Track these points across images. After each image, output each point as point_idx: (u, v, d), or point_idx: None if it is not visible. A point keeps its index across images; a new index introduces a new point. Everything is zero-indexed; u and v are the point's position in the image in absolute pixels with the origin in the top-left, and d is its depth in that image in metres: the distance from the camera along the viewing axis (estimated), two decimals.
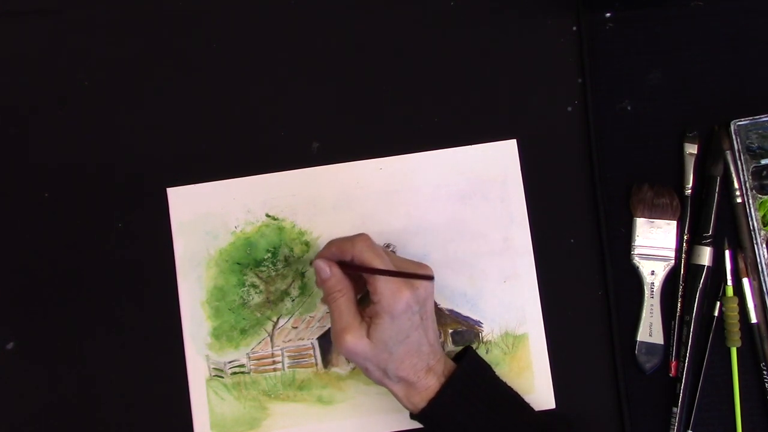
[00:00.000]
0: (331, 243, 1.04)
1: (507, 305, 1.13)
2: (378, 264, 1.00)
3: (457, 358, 1.07)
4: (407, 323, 0.99)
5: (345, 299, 1.02)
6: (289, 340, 1.13)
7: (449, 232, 1.14)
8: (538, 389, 1.12)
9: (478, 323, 1.13)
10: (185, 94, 1.17)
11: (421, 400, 1.02)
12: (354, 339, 0.99)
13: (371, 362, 1.00)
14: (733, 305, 1.11)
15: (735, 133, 1.12)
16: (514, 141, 1.15)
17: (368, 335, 1.00)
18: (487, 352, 1.12)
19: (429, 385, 1.02)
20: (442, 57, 1.17)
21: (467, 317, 1.13)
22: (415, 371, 1.01)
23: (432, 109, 1.16)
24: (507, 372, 1.12)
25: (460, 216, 1.14)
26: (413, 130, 1.16)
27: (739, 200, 1.12)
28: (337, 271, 1.02)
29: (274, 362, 1.12)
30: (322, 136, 1.16)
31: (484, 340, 1.12)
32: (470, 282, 1.13)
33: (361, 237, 1.02)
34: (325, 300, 1.04)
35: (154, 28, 1.18)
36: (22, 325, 1.13)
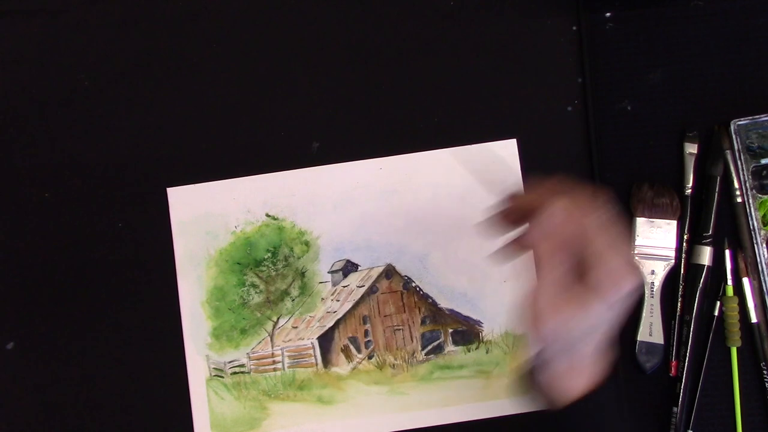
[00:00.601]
0: (557, 207, 0.87)
1: (507, 305, 1.13)
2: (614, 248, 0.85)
3: None
4: (614, 313, 0.86)
5: (557, 272, 0.87)
6: (289, 340, 1.13)
7: (449, 231, 1.14)
8: None
9: (479, 323, 1.13)
10: (185, 94, 1.17)
11: (572, 392, 0.90)
12: (557, 323, 0.86)
13: (557, 345, 0.88)
14: (733, 305, 1.11)
15: (735, 133, 1.12)
16: (514, 141, 1.15)
17: (567, 314, 0.86)
18: (487, 352, 1.12)
19: (586, 379, 0.90)
20: (441, 57, 1.17)
21: (467, 317, 1.13)
22: (585, 360, 0.90)
23: (432, 109, 1.16)
24: (507, 372, 1.12)
25: (460, 216, 1.14)
26: (413, 130, 1.16)
27: (739, 200, 1.12)
28: (561, 234, 0.86)
29: (274, 362, 1.13)
30: (322, 136, 1.16)
31: (485, 340, 1.13)
32: (470, 282, 1.13)
33: (598, 212, 0.86)
34: (536, 262, 0.89)
35: (154, 28, 1.18)
36: (22, 325, 1.13)
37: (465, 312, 1.13)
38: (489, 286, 1.13)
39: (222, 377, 1.12)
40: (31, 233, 1.14)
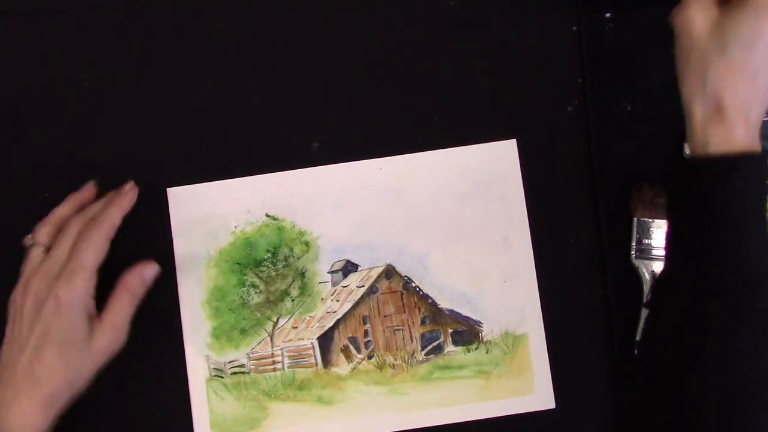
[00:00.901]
0: None
1: (507, 305, 1.13)
2: None
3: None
4: None
5: None
6: (289, 340, 1.13)
7: (449, 232, 1.14)
8: (538, 389, 1.11)
9: (478, 323, 1.13)
10: (185, 94, 1.17)
11: (719, 142, 0.85)
12: (697, 11, 0.85)
13: (699, 51, 0.86)
14: None
15: None
16: (514, 141, 1.14)
17: (718, 17, 0.85)
18: (487, 352, 1.12)
19: (737, 132, 0.85)
20: (441, 57, 1.17)
21: (467, 317, 1.13)
22: (734, 99, 0.84)
23: (432, 109, 1.16)
24: (507, 372, 1.12)
25: (460, 216, 1.14)
26: (413, 130, 1.16)
27: None
28: None
29: (274, 362, 1.13)
30: (322, 136, 1.16)
31: (484, 340, 1.12)
32: (470, 282, 1.13)
33: None
34: None
35: (154, 28, 1.18)
36: None
37: (465, 312, 1.13)
38: (489, 287, 1.13)
39: (222, 377, 1.12)
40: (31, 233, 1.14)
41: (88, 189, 1.11)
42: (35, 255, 1.05)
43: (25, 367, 0.98)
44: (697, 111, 0.88)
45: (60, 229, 1.05)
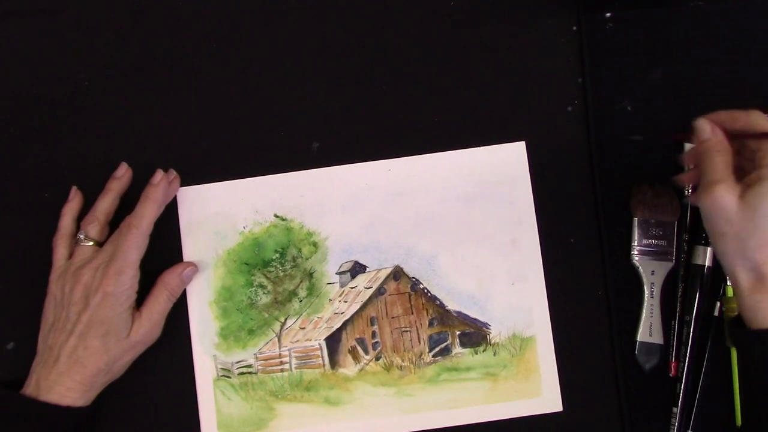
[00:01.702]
0: (719, 112, 0.99)
1: (515, 307, 1.13)
2: None
3: None
4: None
5: (722, 157, 0.95)
6: (297, 341, 1.13)
7: (458, 233, 1.14)
8: (545, 392, 1.12)
9: (486, 325, 1.13)
10: (187, 94, 1.17)
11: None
12: (724, 192, 0.92)
13: (732, 227, 0.92)
14: (733, 305, 1.11)
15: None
16: (523, 143, 1.15)
17: (741, 197, 0.92)
18: (494, 354, 1.13)
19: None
20: (443, 58, 1.17)
21: (475, 319, 1.13)
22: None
23: (433, 111, 1.16)
24: (514, 374, 1.12)
25: (468, 218, 1.14)
26: (421, 131, 1.16)
27: None
28: (719, 134, 0.97)
29: (281, 363, 1.13)
30: (330, 137, 1.16)
31: (492, 342, 1.13)
32: (478, 284, 1.13)
33: (757, 112, 0.97)
34: (698, 159, 0.99)
35: (154, 28, 1.18)
36: (22, 325, 1.12)
37: (472, 314, 1.13)
38: (497, 289, 1.13)
39: (229, 377, 1.12)
40: (31, 233, 1.14)
41: (122, 173, 1.13)
42: (86, 249, 1.09)
43: (70, 351, 1.04)
44: (743, 279, 0.94)
45: (106, 222, 1.11)
